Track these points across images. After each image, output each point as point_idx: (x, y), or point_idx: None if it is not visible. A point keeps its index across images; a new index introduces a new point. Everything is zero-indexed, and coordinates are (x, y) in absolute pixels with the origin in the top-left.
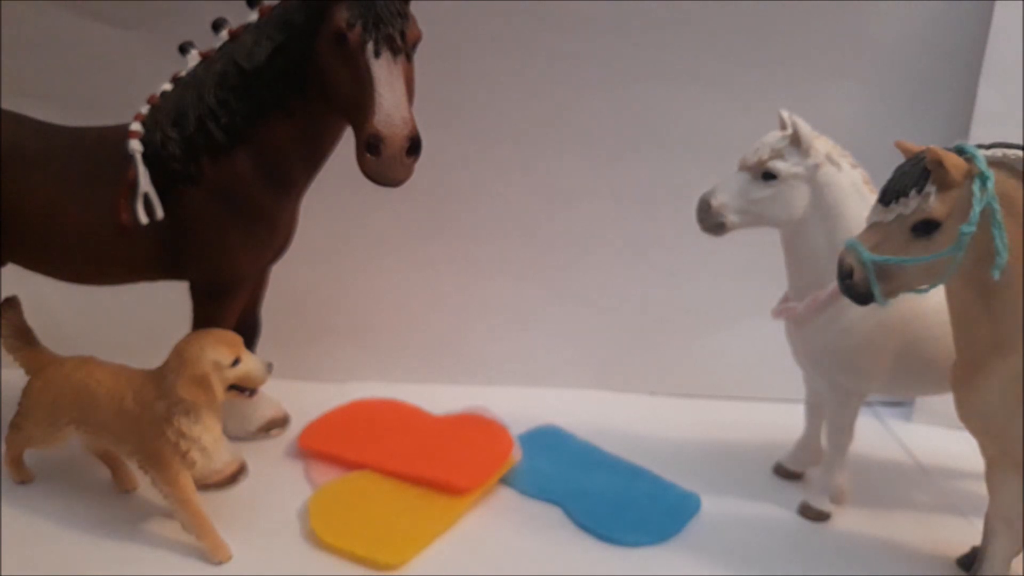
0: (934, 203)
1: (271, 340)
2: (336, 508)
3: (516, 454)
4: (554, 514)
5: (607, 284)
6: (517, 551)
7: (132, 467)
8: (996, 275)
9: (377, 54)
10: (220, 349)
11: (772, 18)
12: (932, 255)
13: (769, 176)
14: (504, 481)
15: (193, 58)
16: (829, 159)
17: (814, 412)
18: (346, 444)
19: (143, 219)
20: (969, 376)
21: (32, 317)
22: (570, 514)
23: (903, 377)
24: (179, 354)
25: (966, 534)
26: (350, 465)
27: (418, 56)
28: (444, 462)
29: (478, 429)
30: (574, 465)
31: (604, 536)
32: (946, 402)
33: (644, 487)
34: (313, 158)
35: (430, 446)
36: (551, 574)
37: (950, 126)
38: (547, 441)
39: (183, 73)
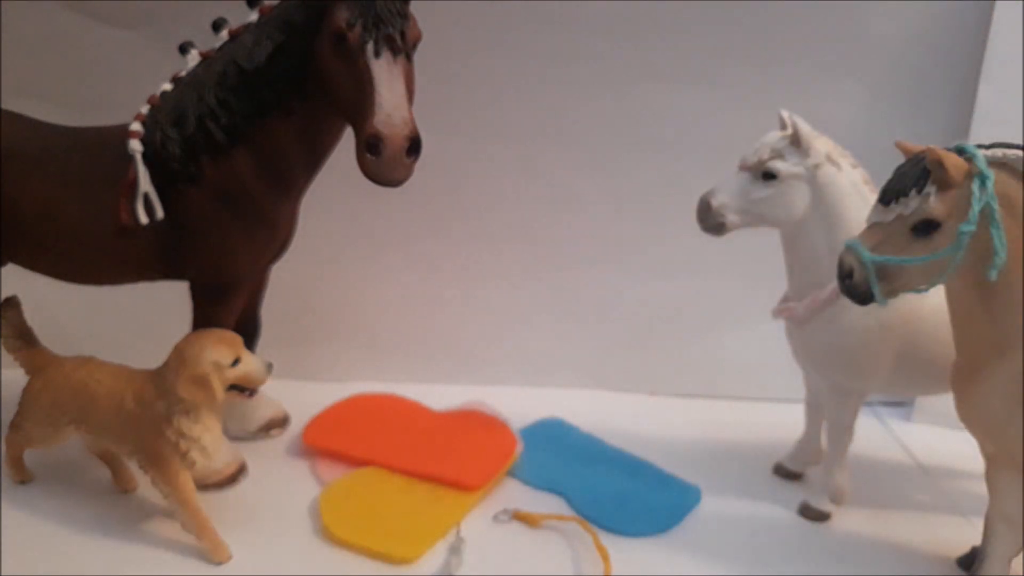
0: (934, 203)
1: (271, 340)
2: (347, 504)
3: (519, 448)
4: (557, 504)
5: (607, 284)
6: (521, 540)
7: (132, 467)
8: (993, 275)
9: (377, 54)
10: (220, 349)
11: (772, 18)
12: (932, 255)
13: (769, 176)
14: (508, 472)
15: (193, 58)
16: (829, 159)
17: (814, 412)
18: (352, 441)
19: (143, 219)
20: (969, 376)
21: (32, 317)
22: (573, 504)
23: (903, 377)
24: (179, 354)
25: (966, 534)
26: (357, 462)
27: (418, 56)
28: (452, 459)
29: (480, 425)
30: (577, 456)
31: (606, 526)
32: (946, 402)
33: (645, 479)
34: (313, 158)
35: (435, 443)
36: (554, 562)
37: (950, 126)
38: (551, 433)
39: (183, 73)
